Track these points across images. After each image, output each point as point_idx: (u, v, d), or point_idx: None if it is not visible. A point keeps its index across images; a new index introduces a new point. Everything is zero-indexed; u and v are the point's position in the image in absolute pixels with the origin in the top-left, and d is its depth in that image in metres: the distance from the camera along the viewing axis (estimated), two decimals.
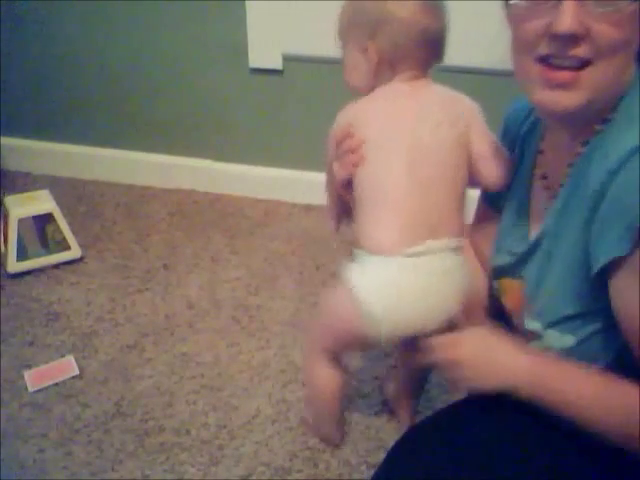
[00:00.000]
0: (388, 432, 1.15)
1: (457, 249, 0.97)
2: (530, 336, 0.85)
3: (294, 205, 1.88)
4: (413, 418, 1.16)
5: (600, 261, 0.71)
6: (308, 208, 1.87)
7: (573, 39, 0.68)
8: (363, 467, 1.10)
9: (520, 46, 0.76)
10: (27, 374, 1.29)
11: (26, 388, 1.26)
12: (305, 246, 1.71)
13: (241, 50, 1.75)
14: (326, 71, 1.73)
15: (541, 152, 0.88)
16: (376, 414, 1.20)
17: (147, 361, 1.33)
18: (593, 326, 0.77)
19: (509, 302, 0.91)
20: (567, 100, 0.72)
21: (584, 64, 0.70)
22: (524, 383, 0.78)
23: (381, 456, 1.08)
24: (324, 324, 1.04)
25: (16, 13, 1.87)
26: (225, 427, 1.18)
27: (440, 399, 1.20)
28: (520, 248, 0.87)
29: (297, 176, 1.88)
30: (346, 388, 1.13)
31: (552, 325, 0.80)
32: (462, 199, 0.98)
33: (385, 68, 1.00)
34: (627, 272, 0.70)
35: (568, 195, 0.78)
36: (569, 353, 0.79)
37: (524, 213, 0.89)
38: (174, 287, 1.56)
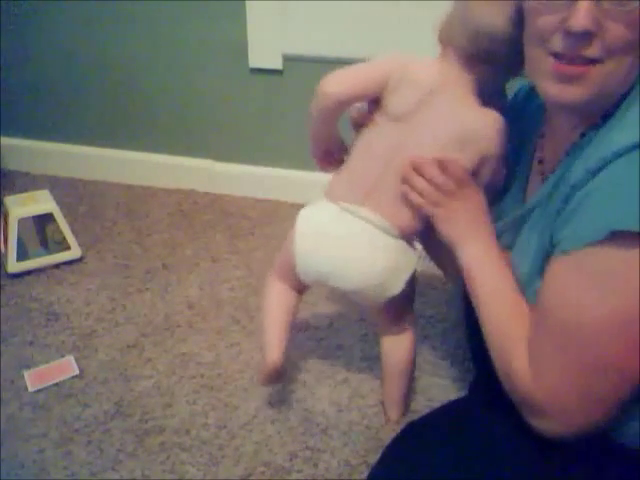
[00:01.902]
0: (388, 432, 1.15)
1: (390, 234, 1.01)
2: None
3: (294, 205, 1.88)
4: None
5: (560, 247, 0.73)
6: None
7: (586, 36, 0.70)
8: (363, 467, 1.10)
9: (534, 39, 0.77)
10: (27, 374, 1.29)
11: (26, 388, 1.26)
12: None
13: (241, 50, 1.75)
14: (326, 71, 1.72)
15: (542, 136, 0.89)
16: (376, 414, 1.20)
17: (147, 361, 1.33)
18: None
19: None
20: (574, 94, 0.73)
21: (594, 61, 0.71)
22: (467, 256, 0.89)
23: None
24: (283, 245, 1.13)
25: (16, 13, 1.87)
26: (225, 427, 1.18)
27: (439, 399, 1.20)
28: (511, 216, 0.91)
29: (297, 176, 1.88)
30: (294, 310, 1.17)
31: (526, 296, 0.83)
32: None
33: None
34: (570, 265, 0.72)
35: (554, 183, 0.80)
36: None
37: (521, 195, 0.92)
38: (174, 287, 1.56)
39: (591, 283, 0.69)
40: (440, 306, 1.47)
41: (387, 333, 1.15)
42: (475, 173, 0.94)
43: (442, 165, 0.90)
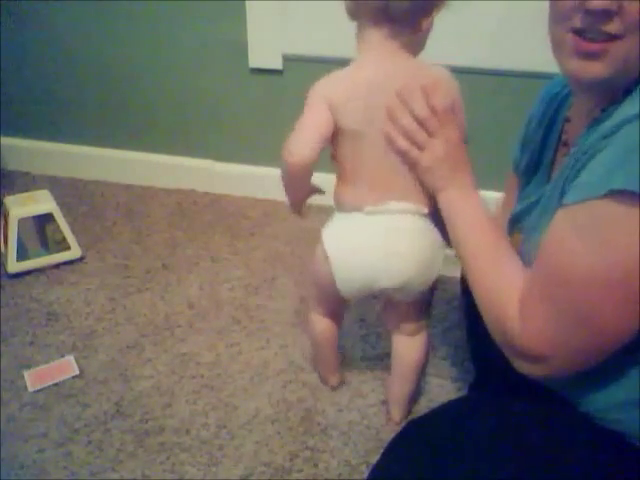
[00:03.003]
0: (388, 432, 1.15)
1: (420, 214, 1.04)
2: None
3: None
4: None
5: (562, 201, 0.74)
6: (308, 208, 1.86)
7: (606, 14, 0.71)
8: (363, 467, 1.10)
9: (556, 17, 0.79)
10: (27, 374, 1.29)
11: (26, 388, 1.26)
12: (305, 246, 1.71)
13: (241, 50, 1.75)
14: (326, 71, 1.72)
15: (568, 120, 0.91)
16: (376, 414, 1.20)
17: (147, 361, 1.33)
18: None
19: None
20: (595, 70, 0.75)
21: (614, 37, 0.73)
22: (448, 200, 0.95)
23: None
24: (311, 276, 1.15)
25: (16, 13, 1.87)
26: (225, 427, 1.18)
27: (439, 399, 1.20)
28: (531, 200, 0.92)
29: None
30: (337, 338, 1.23)
31: None
32: None
33: (356, 11, 1.06)
34: (568, 216, 0.73)
35: (570, 155, 0.81)
36: None
37: (546, 176, 0.93)
38: (174, 287, 1.56)
39: (586, 234, 0.71)
40: (440, 306, 1.47)
41: (404, 333, 1.15)
42: None
43: (426, 92, 0.95)
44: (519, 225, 0.95)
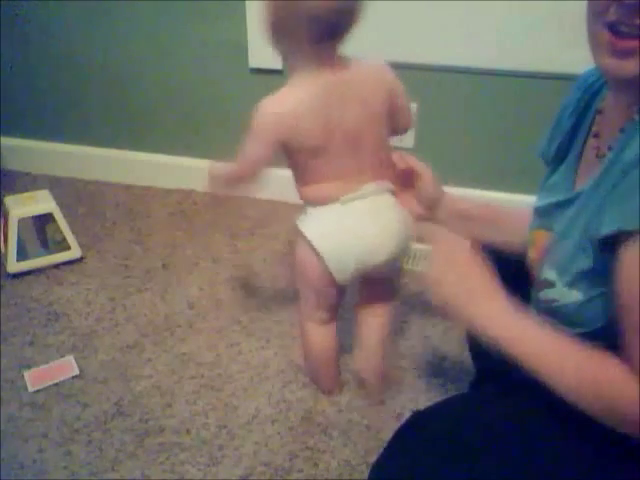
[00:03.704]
0: (388, 432, 1.15)
1: (389, 190, 1.14)
2: (544, 284, 0.87)
3: (294, 205, 1.87)
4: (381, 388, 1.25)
5: (606, 228, 0.72)
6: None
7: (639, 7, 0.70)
8: (363, 467, 1.10)
9: (592, 13, 0.77)
10: (27, 374, 1.29)
11: (26, 388, 1.26)
12: None
13: (241, 50, 1.75)
14: None
15: (600, 112, 0.89)
16: (376, 414, 1.20)
17: (147, 361, 1.33)
18: (599, 288, 0.78)
19: (534, 252, 0.93)
20: (629, 67, 0.74)
21: None
22: (491, 329, 0.82)
23: None
24: (299, 278, 1.17)
25: (16, 13, 1.87)
26: (225, 427, 1.18)
27: (439, 399, 1.19)
28: (559, 198, 0.89)
29: None
30: (337, 344, 1.24)
31: (565, 278, 0.82)
32: (388, 148, 1.16)
33: (282, 42, 1.12)
34: (633, 247, 0.70)
35: (611, 160, 0.79)
36: (573, 308, 0.81)
37: (574, 167, 0.91)
38: (174, 287, 1.56)
39: None
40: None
41: (375, 315, 1.23)
42: (393, 110, 1.13)
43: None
44: (544, 220, 0.92)
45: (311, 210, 1.13)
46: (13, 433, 1.17)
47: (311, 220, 1.12)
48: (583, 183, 0.86)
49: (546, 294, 0.87)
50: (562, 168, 0.95)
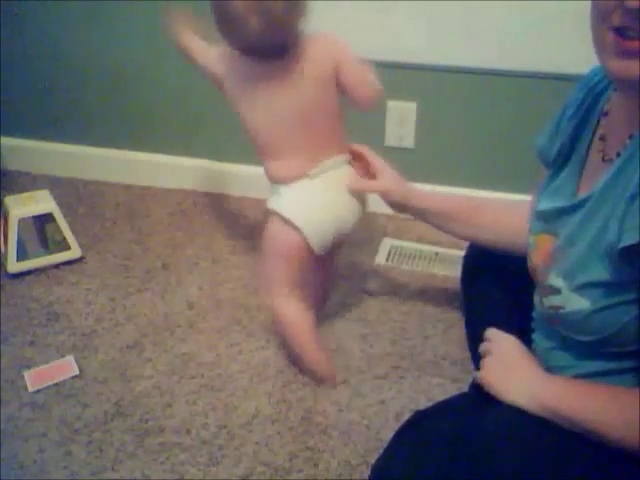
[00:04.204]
0: (388, 432, 1.15)
1: (347, 162, 1.25)
2: (550, 290, 0.86)
3: None
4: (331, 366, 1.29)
5: (627, 239, 0.72)
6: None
7: None
8: (363, 467, 1.10)
9: (597, 16, 0.77)
10: (27, 374, 1.29)
11: (26, 388, 1.26)
12: None
13: None
14: None
15: (606, 114, 0.88)
16: (376, 414, 1.20)
17: (147, 361, 1.33)
18: (611, 299, 0.78)
19: (537, 257, 0.93)
20: (636, 69, 0.73)
21: None
22: (539, 406, 0.84)
23: None
24: (273, 257, 1.22)
25: (16, 13, 1.87)
26: (225, 427, 1.18)
27: (439, 399, 1.19)
28: (564, 202, 0.88)
29: None
30: (313, 319, 1.27)
31: (573, 286, 0.82)
32: (341, 122, 1.24)
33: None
34: None
35: (621, 166, 0.79)
36: (581, 316, 0.81)
37: (578, 170, 0.91)
38: (174, 287, 1.56)
39: None
40: (440, 306, 1.47)
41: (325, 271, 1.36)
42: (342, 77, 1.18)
43: None
44: (548, 225, 0.92)
45: (283, 189, 1.20)
46: (13, 433, 1.17)
47: (285, 198, 1.20)
48: (588, 188, 0.85)
49: (551, 300, 0.87)
50: (565, 171, 0.94)
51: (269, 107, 1.18)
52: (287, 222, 1.19)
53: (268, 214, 1.23)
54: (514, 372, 0.91)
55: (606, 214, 0.78)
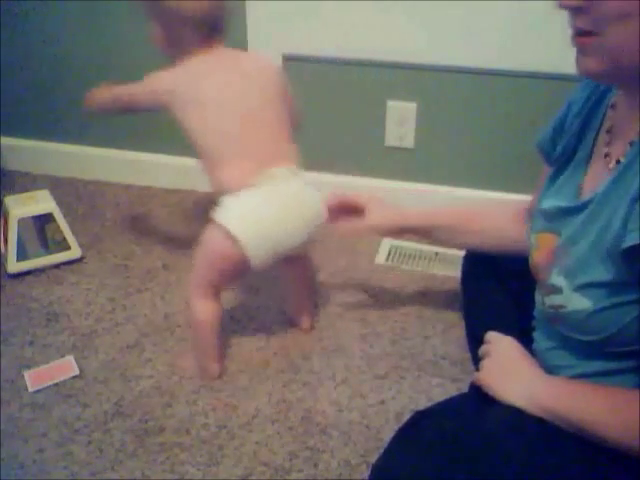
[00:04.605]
0: (388, 432, 1.15)
1: (297, 173, 1.21)
2: (551, 289, 0.86)
3: None
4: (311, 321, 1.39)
5: (630, 240, 0.72)
6: None
7: (579, 10, 0.73)
8: (363, 467, 1.10)
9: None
10: (27, 374, 1.29)
11: (26, 388, 1.26)
12: None
13: (241, 50, 1.75)
14: (326, 71, 1.73)
15: (613, 106, 0.88)
16: (376, 414, 1.20)
17: (147, 361, 1.33)
18: (612, 299, 0.78)
19: (539, 255, 0.93)
20: (588, 64, 0.76)
21: (589, 33, 0.74)
22: (538, 407, 0.84)
23: None
24: (205, 262, 1.21)
25: (16, 13, 1.87)
26: (225, 427, 1.18)
27: (439, 399, 1.19)
28: (567, 202, 0.88)
29: None
30: (222, 321, 1.28)
31: (574, 286, 0.82)
32: (288, 132, 1.24)
33: (174, 41, 1.23)
34: None
35: (622, 170, 0.79)
36: (582, 316, 0.81)
37: (582, 168, 0.90)
38: (174, 287, 1.56)
39: None
40: (440, 306, 1.47)
41: (298, 273, 1.37)
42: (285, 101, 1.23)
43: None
44: (551, 224, 0.91)
45: (227, 199, 1.16)
46: (13, 433, 1.17)
47: (229, 208, 1.16)
48: (593, 186, 0.85)
49: (552, 300, 0.87)
50: (569, 169, 0.93)
51: (219, 107, 1.19)
52: (226, 233, 1.14)
53: (213, 224, 1.18)
54: (513, 373, 0.91)
55: (608, 216, 0.78)
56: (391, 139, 1.77)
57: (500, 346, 0.96)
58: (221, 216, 1.16)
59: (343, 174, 1.85)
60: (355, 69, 1.70)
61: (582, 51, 0.76)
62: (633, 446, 0.74)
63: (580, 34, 0.75)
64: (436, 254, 1.67)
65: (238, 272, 1.22)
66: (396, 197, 1.83)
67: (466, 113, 1.70)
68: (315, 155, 1.86)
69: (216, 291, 1.25)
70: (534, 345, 0.96)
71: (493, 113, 1.68)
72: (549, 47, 1.53)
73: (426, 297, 1.51)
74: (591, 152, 0.90)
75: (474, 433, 0.82)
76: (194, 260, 1.24)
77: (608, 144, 0.86)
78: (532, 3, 1.49)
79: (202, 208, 1.89)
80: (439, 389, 1.25)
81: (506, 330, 1.04)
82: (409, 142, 1.77)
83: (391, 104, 1.73)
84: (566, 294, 0.83)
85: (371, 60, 1.69)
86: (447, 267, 1.61)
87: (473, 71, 1.64)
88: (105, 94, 1.35)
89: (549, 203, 0.93)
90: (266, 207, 1.16)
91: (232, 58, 1.25)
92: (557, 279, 0.85)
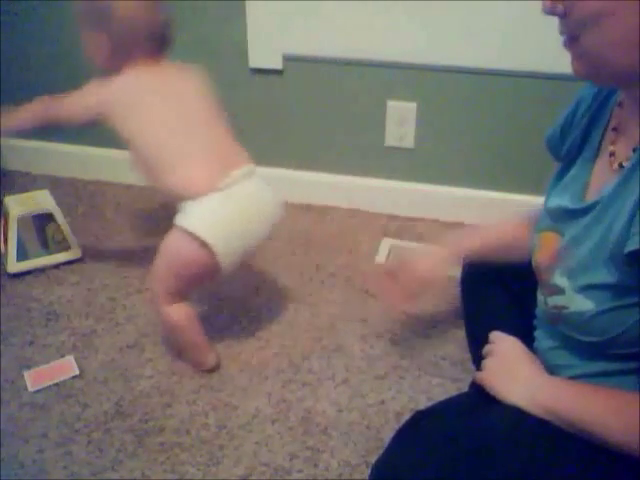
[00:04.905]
0: (388, 432, 1.15)
1: (253, 172, 1.23)
2: (554, 290, 0.86)
3: (294, 205, 1.88)
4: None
5: (633, 244, 0.72)
6: (308, 208, 1.87)
7: (560, 15, 0.76)
8: (363, 467, 1.10)
9: None
10: (27, 374, 1.29)
11: (26, 388, 1.26)
12: (305, 246, 1.71)
13: (241, 50, 1.75)
14: (326, 71, 1.73)
15: (620, 104, 0.88)
16: (376, 414, 1.20)
17: (147, 361, 1.33)
18: (615, 301, 0.78)
19: (542, 255, 0.93)
20: (574, 67, 0.78)
21: (570, 37, 0.76)
22: (539, 407, 0.84)
23: None
24: (172, 269, 1.19)
25: (16, 13, 1.87)
26: (225, 427, 1.18)
27: (439, 399, 1.19)
28: (571, 204, 0.88)
29: (297, 176, 1.88)
30: (196, 315, 1.27)
31: (577, 287, 0.82)
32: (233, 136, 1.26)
33: (120, 54, 1.23)
34: None
35: (629, 171, 0.78)
36: (585, 317, 0.81)
37: (589, 166, 0.90)
38: None
39: None
40: (440, 307, 1.47)
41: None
42: None
43: None
44: (555, 224, 0.91)
45: (190, 204, 1.15)
46: (13, 433, 1.17)
47: (194, 214, 1.14)
48: (599, 186, 0.84)
49: (555, 300, 0.87)
50: (575, 167, 0.93)
51: (166, 116, 1.21)
52: (196, 239, 1.13)
53: (177, 230, 1.17)
54: (514, 373, 0.91)
55: (612, 219, 0.78)
56: (391, 139, 1.77)
57: (503, 346, 0.96)
58: (186, 222, 1.15)
59: (343, 174, 1.85)
60: (355, 69, 1.70)
61: (571, 54, 0.78)
62: (633, 448, 0.74)
63: (568, 38, 0.77)
64: None
65: (207, 277, 1.22)
66: (396, 197, 1.83)
67: (466, 113, 1.71)
68: (315, 155, 1.86)
69: (184, 296, 1.25)
70: (535, 344, 0.96)
71: (493, 113, 1.68)
72: (549, 47, 1.52)
73: (426, 297, 1.51)
74: (597, 150, 0.89)
75: (475, 433, 0.82)
76: (156, 268, 1.22)
77: (614, 142, 0.86)
78: (532, 3, 1.49)
79: None
80: (439, 389, 1.25)
81: (506, 330, 1.04)
82: (409, 142, 1.77)
83: (391, 104, 1.73)
84: (569, 295, 0.83)
85: (371, 60, 1.69)
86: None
87: (473, 71, 1.64)
88: (23, 114, 1.34)
89: (555, 202, 0.93)
90: (230, 209, 1.16)
91: (172, 71, 1.28)
92: (560, 280, 0.85)
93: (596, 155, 0.89)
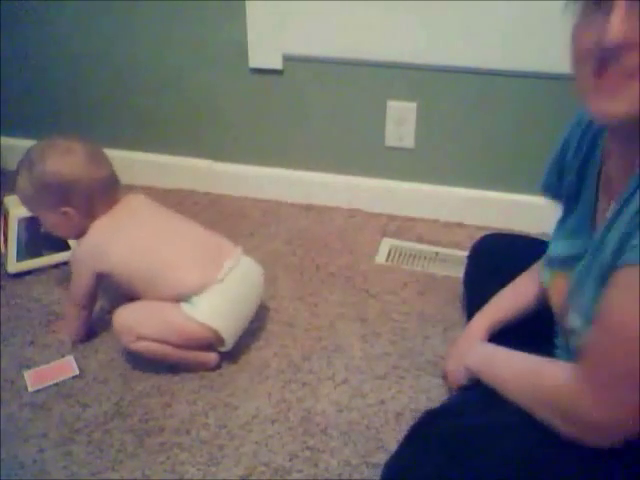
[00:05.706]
0: (388, 432, 1.15)
1: (241, 255, 1.34)
2: (570, 332, 0.86)
3: (294, 205, 1.88)
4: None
5: (625, 259, 0.71)
6: (308, 208, 1.87)
7: (625, 48, 0.67)
8: (363, 467, 1.10)
9: (575, 57, 0.74)
10: (27, 374, 1.29)
11: (26, 388, 1.26)
12: (305, 246, 1.71)
13: (241, 50, 1.75)
14: (326, 71, 1.73)
15: (609, 154, 0.86)
16: (376, 414, 1.20)
17: (147, 361, 1.33)
18: None
19: (557, 296, 0.92)
20: (614, 108, 0.70)
21: (632, 73, 0.68)
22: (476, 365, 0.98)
23: (381, 456, 1.09)
24: (173, 336, 1.25)
25: (16, 13, 1.87)
26: (225, 427, 1.18)
27: (439, 399, 1.20)
28: (580, 250, 0.87)
29: (297, 176, 1.88)
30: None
31: (590, 323, 0.80)
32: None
33: (86, 214, 1.31)
34: (625, 280, 0.71)
35: (620, 207, 0.77)
36: None
37: (589, 213, 0.89)
38: None
39: None
40: (440, 306, 1.47)
41: None
42: None
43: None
44: (563, 266, 0.90)
45: (196, 299, 1.24)
46: (13, 433, 1.17)
47: (202, 307, 1.24)
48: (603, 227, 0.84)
49: (575, 342, 0.86)
50: (577, 212, 0.92)
51: (149, 236, 1.31)
52: (205, 327, 1.24)
53: (187, 317, 1.24)
54: (458, 348, 1.07)
55: (604, 257, 0.77)
56: (391, 139, 1.77)
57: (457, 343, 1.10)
58: (197, 314, 1.23)
59: (343, 174, 1.85)
60: (355, 69, 1.70)
61: (612, 94, 0.70)
62: (531, 412, 0.81)
63: (624, 75, 0.68)
64: (436, 254, 1.67)
65: (210, 347, 1.29)
66: (396, 197, 1.83)
67: (466, 113, 1.71)
68: (315, 155, 1.86)
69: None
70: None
71: (493, 113, 1.68)
72: (549, 47, 1.53)
73: (426, 297, 1.51)
74: (596, 194, 0.88)
75: (487, 433, 0.82)
76: (147, 321, 1.25)
77: (609, 188, 0.85)
78: (533, 3, 1.50)
79: (202, 208, 1.90)
80: (439, 389, 1.25)
81: (506, 330, 1.04)
82: (409, 142, 1.77)
83: (391, 104, 1.73)
84: (585, 335, 0.81)
85: (371, 60, 1.69)
86: (447, 267, 1.61)
87: (473, 71, 1.64)
88: (69, 313, 1.38)
89: (562, 250, 0.92)
90: (231, 295, 1.27)
91: (129, 202, 1.39)
92: (574, 321, 0.84)
93: (596, 198, 0.88)
